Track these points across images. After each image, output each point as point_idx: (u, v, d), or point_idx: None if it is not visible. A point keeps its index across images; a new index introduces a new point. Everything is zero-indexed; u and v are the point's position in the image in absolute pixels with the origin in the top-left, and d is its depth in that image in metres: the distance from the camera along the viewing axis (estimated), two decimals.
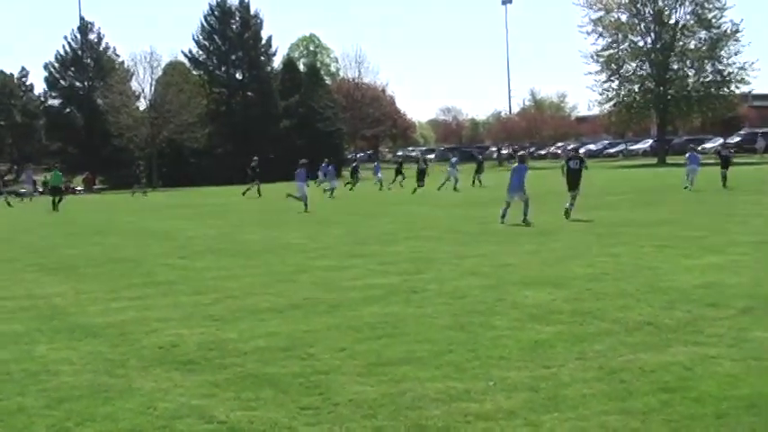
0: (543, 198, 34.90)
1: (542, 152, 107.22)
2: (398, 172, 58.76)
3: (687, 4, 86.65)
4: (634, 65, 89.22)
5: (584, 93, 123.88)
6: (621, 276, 14.33)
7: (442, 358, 9.35)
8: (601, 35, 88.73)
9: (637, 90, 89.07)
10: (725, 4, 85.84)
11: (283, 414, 7.74)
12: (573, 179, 26.38)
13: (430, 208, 34.44)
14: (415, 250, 19.45)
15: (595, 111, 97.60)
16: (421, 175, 50.94)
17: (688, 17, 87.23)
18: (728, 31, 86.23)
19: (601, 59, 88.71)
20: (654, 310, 11.38)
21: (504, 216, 25.29)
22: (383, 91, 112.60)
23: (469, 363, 9.12)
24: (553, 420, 7.26)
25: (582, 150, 61.98)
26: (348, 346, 10.13)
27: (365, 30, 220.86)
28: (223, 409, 7.91)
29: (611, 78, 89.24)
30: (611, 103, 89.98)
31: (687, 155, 41.18)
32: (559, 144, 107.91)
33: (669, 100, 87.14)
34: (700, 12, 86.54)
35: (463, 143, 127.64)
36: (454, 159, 54.67)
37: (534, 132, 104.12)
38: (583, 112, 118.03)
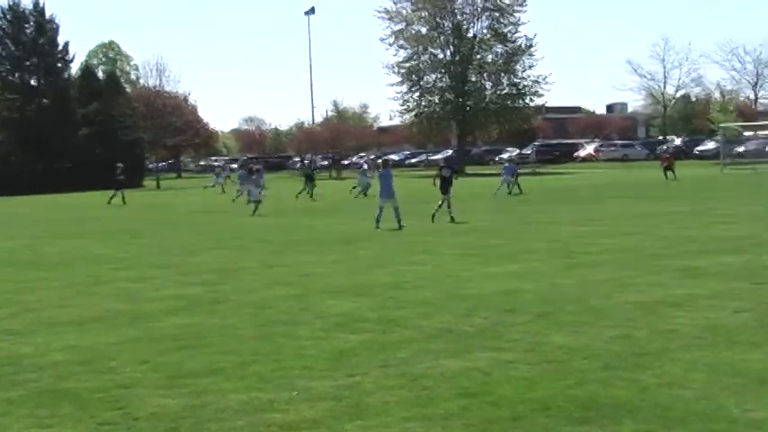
0: (347, 208, 35.31)
1: (345, 162, 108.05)
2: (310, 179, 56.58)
3: (484, 18, 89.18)
4: (434, 76, 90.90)
5: (387, 103, 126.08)
6: (424, 284, 14.60)
7: (245, 369, 9.29)
8: (402, 47, 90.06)
9: (437, 101, 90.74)
10: (519, 20, 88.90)
11: (81, 430, 7.52)
12: (444, 185, 28.30)
13: (240, 217, 34.11)
14: (221, 260, 19.29)
15: (397, 121, 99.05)
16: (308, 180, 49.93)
17: (485, 31, 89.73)
18: (523, 46, 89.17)
19: (402, 71, 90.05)
20: (455, 318, 11.64)
21: (378, 221, 25.73)
22: (185, 100, 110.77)
23: (273, 373, 9.09)
24: (356, 429, 7.31)
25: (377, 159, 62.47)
26: (150, 358, 9.94)
27: (166, 38, 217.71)
28: (18, 428, 7.63)
29: (413, 89, 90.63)
30: (413, 113, 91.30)
31: (505, 165, 44.31)
32: (362, 154, 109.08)
33: (468, 111, 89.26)
34: (496, 26, 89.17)
35: (267, 153, 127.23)
36: (365, 167, 53.78)
37: (337, 142, 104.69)
38: (385, 122, 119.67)
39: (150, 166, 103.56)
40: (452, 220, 27.10)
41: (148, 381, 8.99)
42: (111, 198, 49.59)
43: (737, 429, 6.95)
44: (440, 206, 27.78)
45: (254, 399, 8.20)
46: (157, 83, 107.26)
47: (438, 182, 28.72)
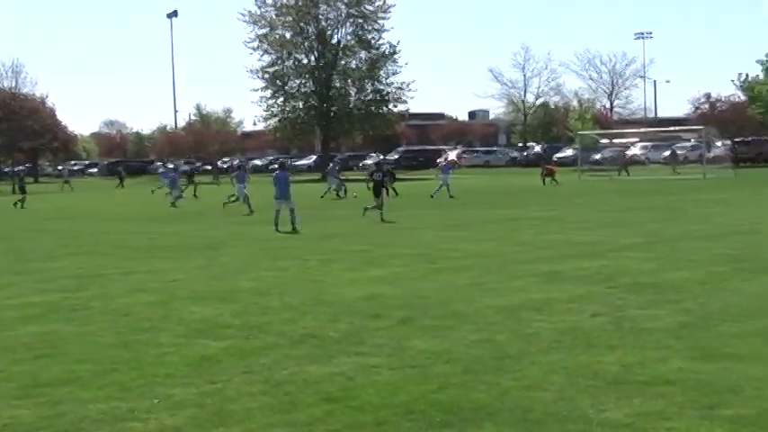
0: (212, 213, 34.96)
1: (208, 167, 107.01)
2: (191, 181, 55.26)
3: (348, 24, 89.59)
4: (298, 82, 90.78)
5: (251, 108, 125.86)
6: (288, 290, 14.55)
7: (105, 378, 9.09)
8: (266, 51, 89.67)
9: (301, 106, 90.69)
10: (383, 26, 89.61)
11: None
12: (377, 188, 30.22)
13: (101, 224, 33.35)
14: (80, 266, 18.83)
15: (261, 126, 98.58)
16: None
17: (349, 38, 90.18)
18: (387, 53, 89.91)
19: (266, 75, 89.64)
20: (319, 323, 11.63)
21: (276, 224, 25.59)
22: (43, 103, 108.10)
23: (134, 381, 8.92)
24: None
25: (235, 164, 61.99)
26: (3, 368, 9.64)
27: (22, 38, 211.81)
28: None
29: (277, 95, 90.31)
30: (276, 119, 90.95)
31: (442, 167, 46.56)
32: (225, 159, 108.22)
33: (332, 117, 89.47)
34: (360, 33, 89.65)
35: (128, 157, 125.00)
36: (337, 167, 52.83)
37: (200, 147, 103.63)
38: (249, 127, 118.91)
39: (6, 170, 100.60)
40: (382, 220, 28.45)
41: (1, 391, 8.72)
42: (17, 202, 48.15)
43: (593, 429, 7.13)
44: (373, 207, 29.69)
45: (113, 408, 8.02)
46: (13, 84, 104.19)
47: (371, 185, 30.70)
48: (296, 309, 12.75)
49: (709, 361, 9.02)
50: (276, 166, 34.33)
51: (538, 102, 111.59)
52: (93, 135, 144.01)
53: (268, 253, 20.39)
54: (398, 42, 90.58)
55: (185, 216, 35.16)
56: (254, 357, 9.79)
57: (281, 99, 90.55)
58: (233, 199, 37.64)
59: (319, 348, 10.18)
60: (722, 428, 7.05)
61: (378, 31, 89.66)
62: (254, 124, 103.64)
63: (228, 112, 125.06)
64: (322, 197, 44.73)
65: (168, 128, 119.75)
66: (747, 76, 67.56)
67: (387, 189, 32.84)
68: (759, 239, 19.82)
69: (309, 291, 14.40)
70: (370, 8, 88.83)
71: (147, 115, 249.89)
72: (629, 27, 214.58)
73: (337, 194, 45.84)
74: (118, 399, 8.32)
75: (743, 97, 72.32)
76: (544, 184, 51.72)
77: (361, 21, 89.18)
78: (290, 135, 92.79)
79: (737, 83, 69.06)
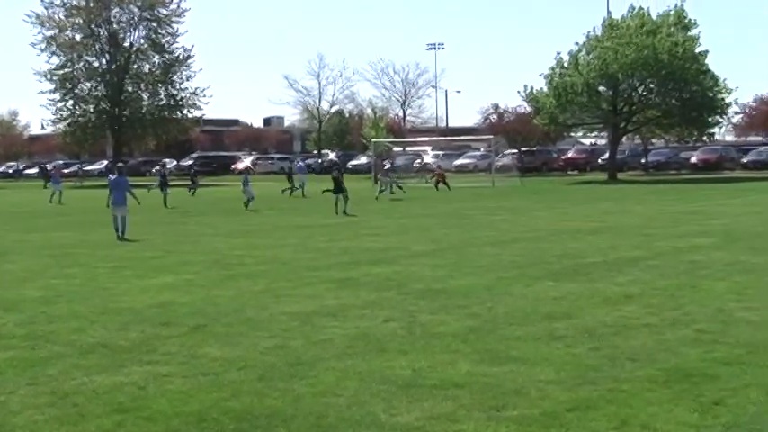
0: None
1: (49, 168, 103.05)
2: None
3: (141, 28, 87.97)
4: (89, 85, 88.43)
5: (39, 111, 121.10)
6: (76, 298, 14.15)
7: None
8: (55, 54, 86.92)
9: (92, 110, 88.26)
10: (177, 31, 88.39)
11: None
12: (337, 186, 34.18)
13: None
14: None
15: (49, 130, 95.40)
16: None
17: (142, 41, 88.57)
18: (181, 57, 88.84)
19: (55, 78, 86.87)
20: (108, 332, 11.37)
21: (117, 230, 24.68)
22: None
23: None
24: None
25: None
26: None
27: None
28: None
29: (66, 98, 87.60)
30: (66, 122, 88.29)
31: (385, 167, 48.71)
32: (11, 164, 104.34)
33: (125, 122, 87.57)
34: (153, 37, 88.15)
35: None
36: (300, 164, 52.16)
37: None
38: (36, 130, 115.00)
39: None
40: (345, 213, 32.50)
41: None
42: None
43: None
44: (336, 204, 33.45)
45: None
46: None
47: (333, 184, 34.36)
48: (84, 317, 12.42)
49: (496, 364, 9.33)
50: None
51: (333, 109, 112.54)
52: None
53: (56, 260, 19.75)
54: (192, 47, 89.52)
55: None
56: (40, 368, 9.48)
57: (71, 102, 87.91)
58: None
59: (109, 358, 9.95)
60: (508, 429, 7.31)
61: (171, 35, 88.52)
62: (43, 128, 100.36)
63: (14, 114, 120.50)
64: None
65: None
66: (532, 88, 70.10)
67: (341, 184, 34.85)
68: (542, 246, 20.61)
69: (99, 298, 14.06)
70: (164, 12, 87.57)
71: None
72: (421, 38, 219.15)
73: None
74: None
75: (529, 108, 75.00)
76: (437, 189, 51.40)
77: (154, 24, 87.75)
78: (81, 139, 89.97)
79: (523, 94, 71.61)
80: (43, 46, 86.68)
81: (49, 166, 63.64)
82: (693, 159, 75.47)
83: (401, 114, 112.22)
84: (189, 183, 53.32)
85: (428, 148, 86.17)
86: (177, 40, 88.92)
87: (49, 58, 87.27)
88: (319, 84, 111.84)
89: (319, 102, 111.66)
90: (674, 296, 13.24)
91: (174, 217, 34.50)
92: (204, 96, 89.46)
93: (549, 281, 15.07)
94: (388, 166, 53.03)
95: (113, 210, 25.57)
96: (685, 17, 67.00)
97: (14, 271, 18.06)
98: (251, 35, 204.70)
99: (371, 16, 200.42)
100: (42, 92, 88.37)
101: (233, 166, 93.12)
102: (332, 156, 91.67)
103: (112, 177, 26.80)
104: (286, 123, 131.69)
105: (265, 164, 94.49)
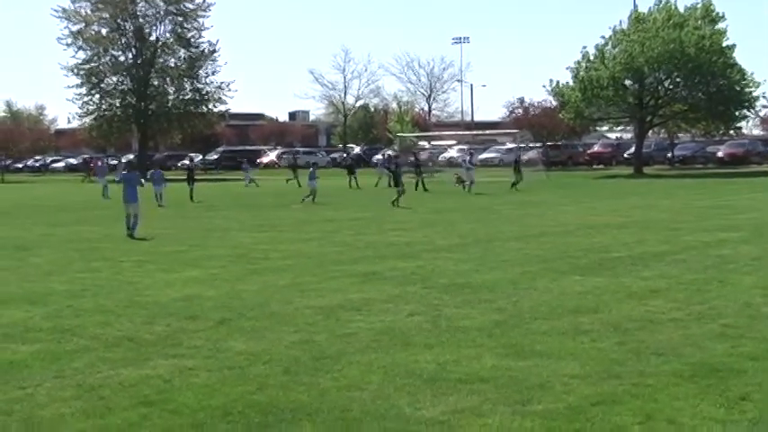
0: (20, 212, 33.82)
1: (19, 165, 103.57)
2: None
3: (167, 22, 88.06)
4: (115, 79, 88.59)
5: (66, 105, 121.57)
6: (102, 292, 14.21)
7: None
8: (81, 48, 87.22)
9: (118, 104, 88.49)
10: (203, 25, 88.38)
11: None
12: (396, 179, 37.46)
13: None
14: None
15: (75, 124, 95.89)
16: None
17: (168, 35, 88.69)
18: (206, 51, 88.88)
19: (81, 72, 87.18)
20: (134, 325, 11.41)
21: (128, 227, 24.29)
22: None
23: None
24: None
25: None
26: None
27: None
28: None
29: (92, 92, 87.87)
30: (92, 116, 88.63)
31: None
32: (38, 157, 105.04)
33: (150, 116, 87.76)
34: (179, 31, 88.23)
35: None
36: (466, 159, 50.47)
37: (11, 144, 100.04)
38: (63, 125, 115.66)
39: None
40: (393, 204, 34.29)
41: None
42: None
43: (409, 427, 7.25)
44: (398, 196, 35.29)
45: None
46: None
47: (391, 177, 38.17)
48: (110, 311, 12.47)
49: (521, 358, 9.30)
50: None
51: (358, 104, 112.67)
52: None
53: (81, 254, 19.84)
54: (218, 41, 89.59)
55: None
56: (67, 361, 9.53)
57: (98, 96, 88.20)
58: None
59: (135, 351, 9.99)
60: (533, 423, 7.29)
61: (197, 29, 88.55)
62: (69, 122, 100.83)
63: (42, 108, 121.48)
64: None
65: None
66: (558, 82, 69.83)
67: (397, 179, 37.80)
68: (568, 240, 20.55)
69: (124, 292, 14.11)
70: (190, 6, 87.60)
71: None
72: (446, 31, 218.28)
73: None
74: None
75: (554, 102, 74.70)
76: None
77: (180, 18, 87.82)
78: (107, 133, 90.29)
79: (549, 88, 71.30)
80: (70, 40, 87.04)
81: (98, 161, 62.95)
82: (720, 153, 74.93)
83: (426, 108, 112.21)
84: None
85: (453, 142, 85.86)
86: (203, 34, 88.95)
87: (76, 52, 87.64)
88: (344, 78, 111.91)
89: (344, 96, 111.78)
90: (701, 291, 13.18)
91: (199, 211, 34.59)
92: (229, 90, 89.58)
93: (574, 275, 15.02)
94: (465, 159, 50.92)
95: (124, 206, 25.09)
96: (713, 10, 66.66)
97: (40, 265, 18.16)
98: (276, 29, 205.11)
99: (396, 10, 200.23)
100: (69, 86, 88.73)
101: (258, 160, 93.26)
102: (357, 150, 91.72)
103: (123, 173, 26.45)
104: (311, 117, 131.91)
105: (289, 158, 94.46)
